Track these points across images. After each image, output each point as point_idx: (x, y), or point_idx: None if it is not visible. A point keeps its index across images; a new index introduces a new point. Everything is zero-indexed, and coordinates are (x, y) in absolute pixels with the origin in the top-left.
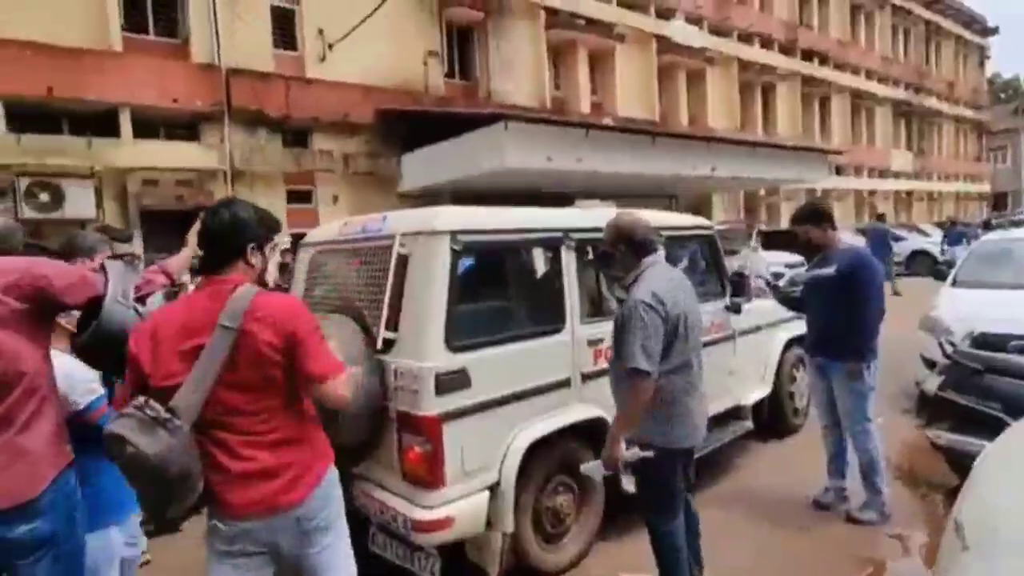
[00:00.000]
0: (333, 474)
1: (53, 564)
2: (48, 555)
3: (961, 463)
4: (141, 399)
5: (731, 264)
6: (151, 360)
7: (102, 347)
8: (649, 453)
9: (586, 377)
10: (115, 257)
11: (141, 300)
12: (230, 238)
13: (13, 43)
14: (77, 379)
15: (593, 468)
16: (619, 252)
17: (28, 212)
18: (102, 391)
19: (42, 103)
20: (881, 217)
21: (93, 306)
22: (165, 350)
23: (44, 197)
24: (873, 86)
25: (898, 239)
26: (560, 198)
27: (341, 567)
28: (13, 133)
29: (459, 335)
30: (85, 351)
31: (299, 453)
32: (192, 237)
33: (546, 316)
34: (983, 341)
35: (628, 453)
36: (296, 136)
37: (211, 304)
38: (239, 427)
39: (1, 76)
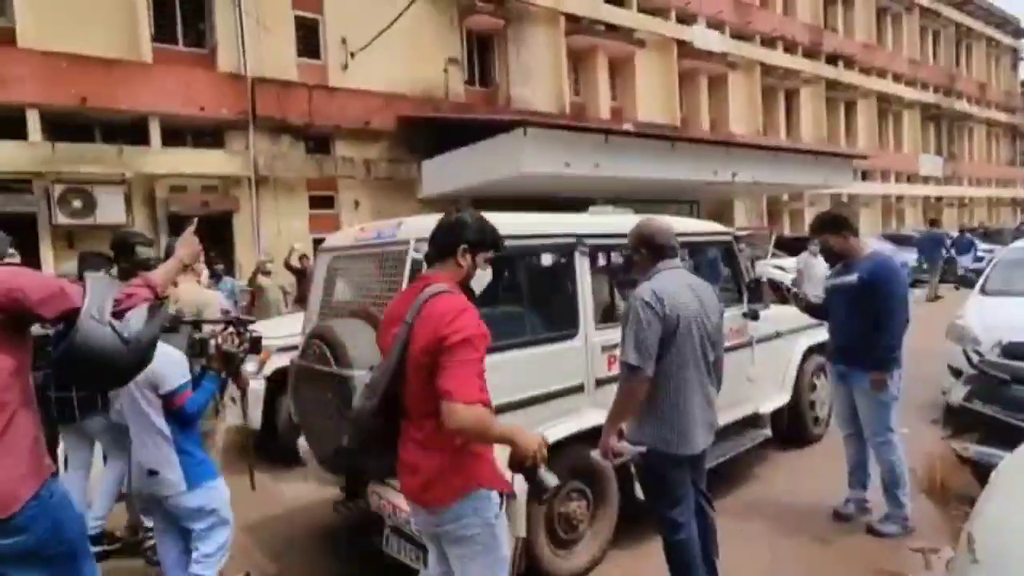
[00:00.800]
0: (479, 497)
1: (46, 569)
2: (38, 564)
3: (987, 476)
4: (371, 367)
5: (789, 267)
6: (380, 337)
7: (73, 363)
8: (642, 449)
9: (600, 382)
10: (142, 262)
11: (120, 315)
12: (446, 235)
13: (49, 55)
14: (175, 361)
15: (597, 455)
16: (640, 255)
17: (61, 218)
18: (188, 378)
19: (76, 112)
20: (935, 222)
21: (72, 320)
22: (385, 331)
23: (77, 203)
24: (901, 89)
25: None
26: (580, 203)
27: None
28: (48, 141)
29: None
30: (57, 366)
31: (438, 460)
32: (181, 247)
33: (559, 321)
34: (1012, 351)
35: (621, 446)
36: (319, 143)
37: (410, 298)
38: (415, 416)
39: (37, 86)
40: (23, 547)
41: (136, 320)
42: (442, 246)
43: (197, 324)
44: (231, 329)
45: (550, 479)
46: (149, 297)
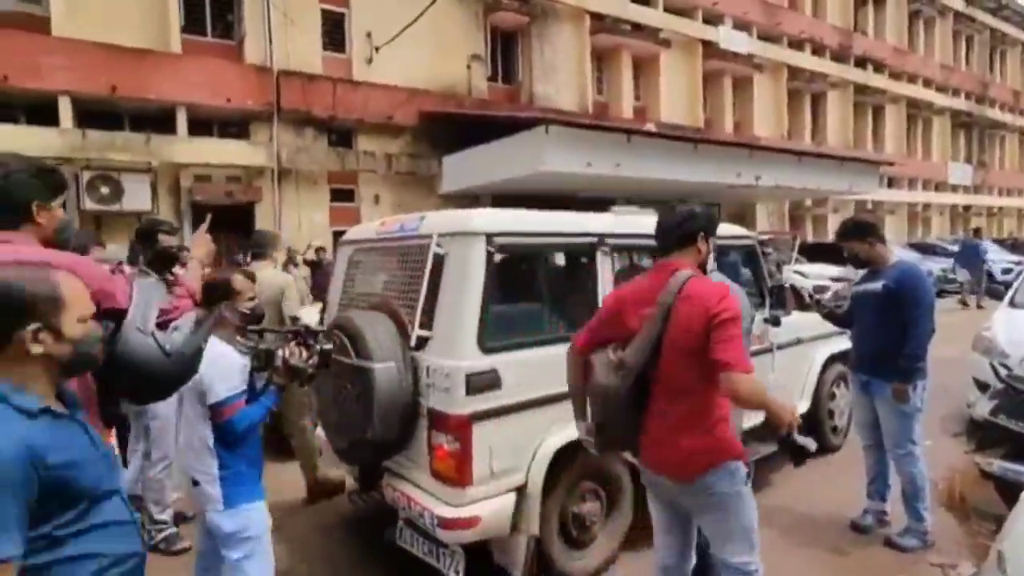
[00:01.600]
0: (730, 469)
1: None
2: None
3: (1011, 492)
4: (612, 347)
5: (809, 273)
6: (622, 319)
7: (114, 372)
8: None
9: None
10: (163, 251)
11: (164, 325)
12: (683, 225)
13: (82, 44)
14: (228, 370)
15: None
16: None
17: (89, 204)
18: (242, 389)
19: (106, 100)
20: (977, 232)
21: (115, 320)
22: (630, 312)
23: (105, 190)
24: (931, 95)
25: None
26: (600, 203)
27: (731, 538)
28: (79, 128)
29: (492, 336)
30: (97, 373)
31: (690, 439)
32: (196, 248)
33: (579, 320)
34: None
35: None
36: (341, 136)
37: (657, 282)
38: (667, 393)
39: (70, 74)
40: None
41: (180, 331)
42: (682, 235)
43: (261, 332)
44: (298, 339)
45: (810, 443)
46: (189, 308)
